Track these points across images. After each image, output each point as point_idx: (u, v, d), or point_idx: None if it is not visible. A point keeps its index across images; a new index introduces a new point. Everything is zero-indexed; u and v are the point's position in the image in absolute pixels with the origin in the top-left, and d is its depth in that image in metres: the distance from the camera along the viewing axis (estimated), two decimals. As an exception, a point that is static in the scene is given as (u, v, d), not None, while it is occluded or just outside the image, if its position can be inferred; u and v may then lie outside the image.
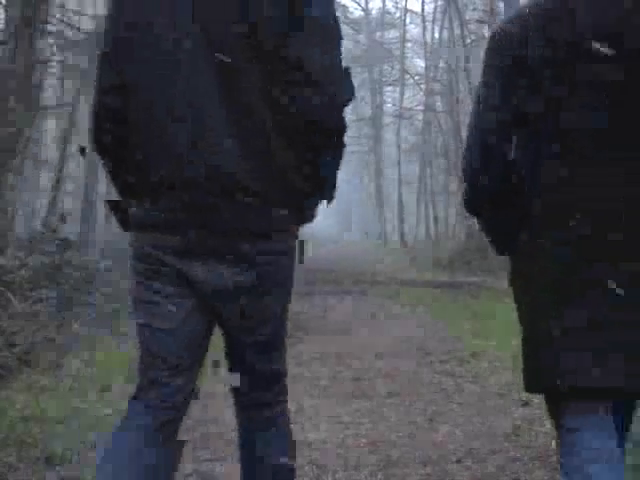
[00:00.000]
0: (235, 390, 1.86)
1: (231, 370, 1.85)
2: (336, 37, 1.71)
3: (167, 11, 1.67)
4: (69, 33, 12.81)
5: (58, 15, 13.00)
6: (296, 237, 1.82)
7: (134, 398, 1.85)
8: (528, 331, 1.70)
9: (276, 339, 1.82)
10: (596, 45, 1.54)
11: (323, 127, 1.70)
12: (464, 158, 1.78)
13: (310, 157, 1.72)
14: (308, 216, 1.84)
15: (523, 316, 1.73)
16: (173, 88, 1.67)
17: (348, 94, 1.71)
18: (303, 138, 1.70)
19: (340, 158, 1.78)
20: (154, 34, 1.68)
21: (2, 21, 12.26)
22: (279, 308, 1.80)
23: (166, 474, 1.79)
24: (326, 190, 1.81)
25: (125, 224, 1.81)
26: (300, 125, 1.68)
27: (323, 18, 1.68)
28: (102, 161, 1.87)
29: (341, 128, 1.72)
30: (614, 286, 1.57)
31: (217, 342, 1.86)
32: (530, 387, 1.71)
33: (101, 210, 19.66)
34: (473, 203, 1.82)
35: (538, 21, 1.62)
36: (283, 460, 1.82)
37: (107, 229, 19.94)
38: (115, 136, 1.78)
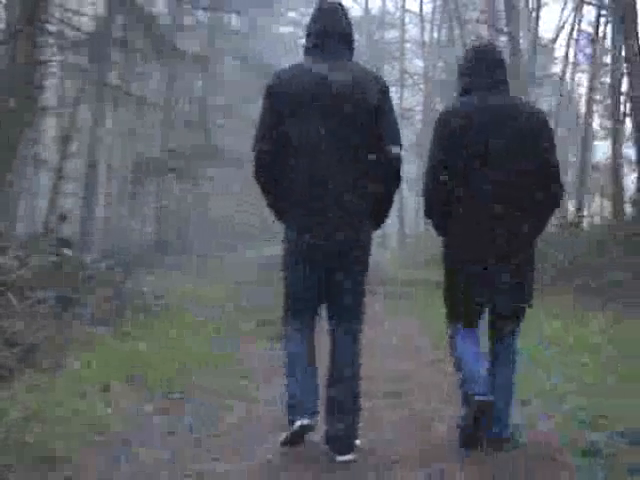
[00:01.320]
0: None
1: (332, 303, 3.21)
2: (395, 117, 3.21)
3: (316, 110, 3.04)
4: (69, 33, 12.79)
5: (58, 15, 12.99)
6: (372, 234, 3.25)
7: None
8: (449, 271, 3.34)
9: (360, 281, 3.18)
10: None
11: (396, 171, 3.16)
12: (425, 186, 3.29)
13: (382, 186, 3.18)
14: (381, 225, 3.32)
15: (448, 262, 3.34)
16: (318, 154, 3.03)
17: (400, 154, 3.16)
18: (384, 177, 3.17)
19: (397, 186, 3.24)
20: (307, 121, 3.04)
21: (3, 21, 12.25)
22: (362, 264, 3.17)
23: None
24: (389, 209, 3.30)
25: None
26: (382, 170, 3.14)
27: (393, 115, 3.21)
28: (266, 194, 3.23)
29: (399, 173, 3.17)
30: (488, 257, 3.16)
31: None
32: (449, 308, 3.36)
33: (101, 210, 19.67)
34: (430, 210, 3.36)
35: (458, 119, 3.20)
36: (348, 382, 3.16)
37: (107, 229, 19.95)
38: (272, 180, 3.16)
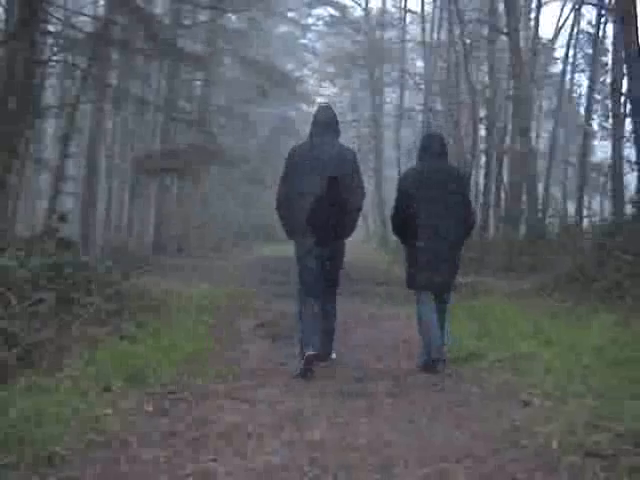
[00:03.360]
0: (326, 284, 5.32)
1: (325, 278, 5.28)
2: (360, 174, 5.39)
3: (312, 169, 5.17)
4: (69, 33, 12.78)
5: (58, 15, 12.97)
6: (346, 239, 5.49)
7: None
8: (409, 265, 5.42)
9: (339, 266, 5.38)
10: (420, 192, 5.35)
11: (359, 206, 5.36)
12: (392, 216, 5.49)
13: (350, 215, 5.33)
14: (349, 234, 5.40)
15: (408, 259, 5.44)
16: (315, 193, 5.12)
17: (363, 197, 5.36)
18: (352, 210, 5.30)
19: (359, 215, 5.49)
20: (307, 176, 5.19)
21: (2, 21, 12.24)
22: (341, 257, 5.40)
23: None
24: (353, 226, 5.46)
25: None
26: (352, 206, 5.29)
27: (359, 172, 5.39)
28: (282, 221, 5.36)
29: (361, 207, 5.39)
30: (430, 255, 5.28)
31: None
32: (409, 286, 5.45)
33: (101, 210, 19.66)
34: (395, 230, 5.51)
35: (411, 177, 5.47)
36: (331, 325, 5.39)
37: (107, 229, 19.94)
38: (286, 209, 5.30)
